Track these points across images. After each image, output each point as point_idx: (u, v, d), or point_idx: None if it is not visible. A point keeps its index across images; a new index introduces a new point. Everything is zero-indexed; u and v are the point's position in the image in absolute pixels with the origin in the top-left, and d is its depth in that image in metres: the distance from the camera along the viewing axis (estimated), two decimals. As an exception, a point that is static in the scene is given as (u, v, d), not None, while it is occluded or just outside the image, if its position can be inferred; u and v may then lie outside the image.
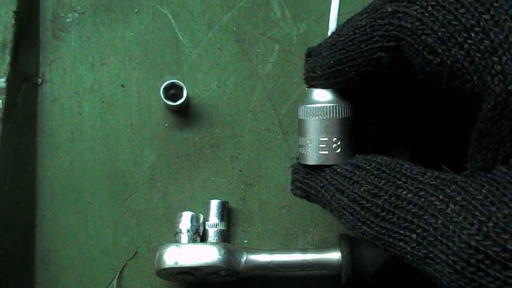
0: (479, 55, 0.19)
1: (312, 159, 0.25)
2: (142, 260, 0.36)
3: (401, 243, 0.20)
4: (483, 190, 0.18)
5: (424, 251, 0.19)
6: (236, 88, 0.39)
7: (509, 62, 0.18)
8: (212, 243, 0.34)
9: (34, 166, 0.38)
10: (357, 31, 0.22)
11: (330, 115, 0.25)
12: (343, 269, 0.32)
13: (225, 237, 0.36)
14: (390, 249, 0.21)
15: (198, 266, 0.32)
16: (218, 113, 0.39)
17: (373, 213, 0.21)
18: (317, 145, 0.25)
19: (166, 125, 0.38)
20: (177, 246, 0.33)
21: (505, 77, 0.18)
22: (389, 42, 0.21)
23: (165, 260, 0.33)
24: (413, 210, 0.20)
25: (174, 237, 0.35)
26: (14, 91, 0.36)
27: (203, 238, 0.35)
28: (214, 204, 0.36)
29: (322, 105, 0.25)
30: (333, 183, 0.23)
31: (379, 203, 0.21)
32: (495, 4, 0.19)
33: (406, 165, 0.22)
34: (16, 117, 0.36)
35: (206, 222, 0.36)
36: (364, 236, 0.22)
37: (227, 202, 0.37)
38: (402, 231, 0.20)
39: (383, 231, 0.21)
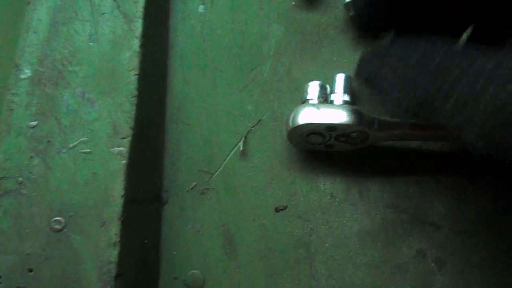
0: None
1: None
2: (266, 127, 0.38)
3: (438, 113, 0.22)
4: None
5: (459, 118, 0.21)
6: (363, -26, 0.40)
7: None
8: (346, 106, 0.35)
9: (167, 31, 0.39)
10: None
11: None
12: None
13: (351, 108, 0.37)
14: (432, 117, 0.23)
15: (335, 125, 0.34)
16: (344, -3, 0.40)
17: (418, 85, 0.23)
18: None
19: (293, 3, 0.40)
20: (313, 106, 0.34)
21: None
22: None
23: (301, 117, 0.34)
24: (452, 77, 0.21)
25: (300, 106, 0.36)
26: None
27: (331, 107, 0.36)
28: (341, 77, 0.37)
29: None
30: (389, 61, 0.25)
31: (425, 73, 0.23)
32: None
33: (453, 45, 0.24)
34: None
35: (332, 93, 0.36)
36: (408, 109, 0.24)
37: (351, 78, 0.38)
38: (440, 101, 0.22)
39: (425, 104, 0.23)
